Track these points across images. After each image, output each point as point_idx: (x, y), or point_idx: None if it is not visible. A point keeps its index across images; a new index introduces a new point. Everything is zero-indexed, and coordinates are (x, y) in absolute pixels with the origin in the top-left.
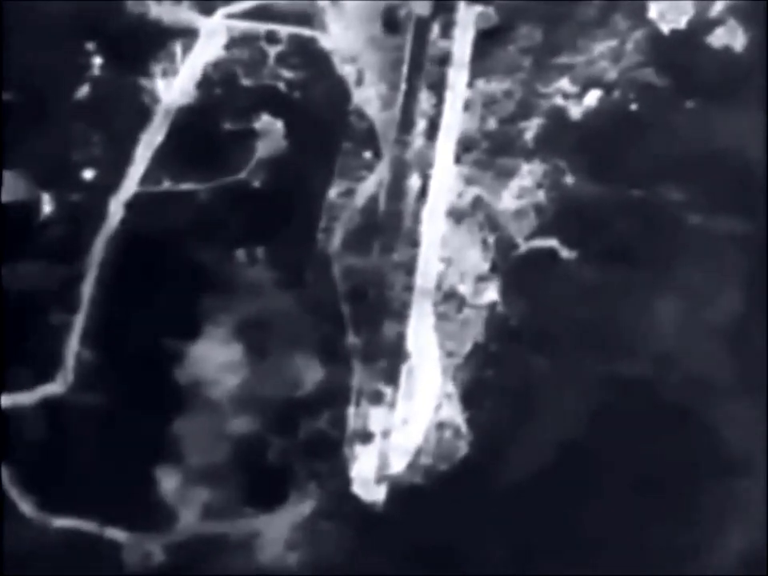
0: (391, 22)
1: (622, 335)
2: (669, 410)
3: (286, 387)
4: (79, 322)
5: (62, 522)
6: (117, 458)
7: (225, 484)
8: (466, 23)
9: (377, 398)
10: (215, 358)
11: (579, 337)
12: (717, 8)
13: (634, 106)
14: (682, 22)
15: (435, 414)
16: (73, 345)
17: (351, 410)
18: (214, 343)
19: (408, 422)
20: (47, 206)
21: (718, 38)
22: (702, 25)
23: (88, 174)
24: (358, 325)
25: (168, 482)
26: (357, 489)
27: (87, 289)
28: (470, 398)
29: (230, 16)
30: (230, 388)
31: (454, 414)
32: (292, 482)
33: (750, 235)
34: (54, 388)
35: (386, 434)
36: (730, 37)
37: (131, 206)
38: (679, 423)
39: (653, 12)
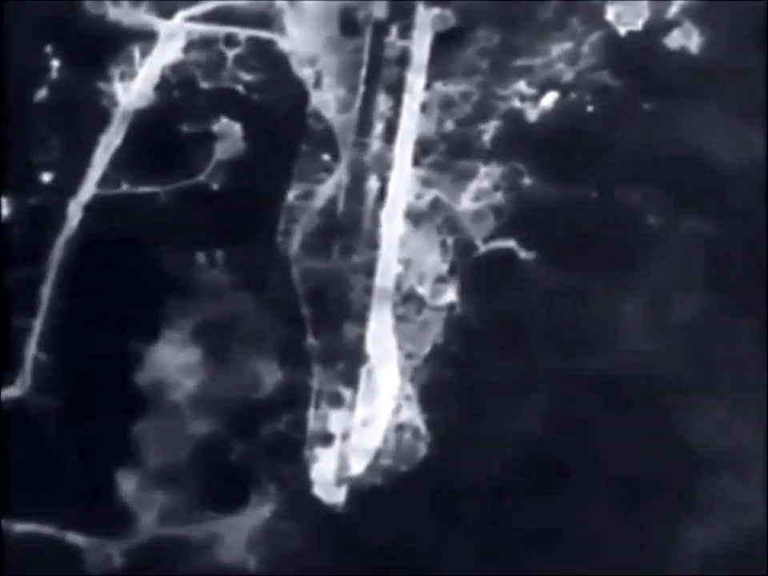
0: (349, 25)
1: (582, 335)
2: (630, 410)
3: (245, 389)
4: (38, 324)
5: (22, 527)
6: (76, 462)
7: (184, 487)
8: (424, 25)
9: (336, 400)
10: (174, 361)
11: (539, 337)
12: (673, 10)
13: (590, 108)
14: (638, 24)
15: (395, 416)
16: (31, 348)
17: (311, 412)
18: (174, 346)
19: (368, 423)
20: (5, 209)
21: (674, 39)
22: (658, 26)
23: (46, 177)
24: (317, 327)
25: (127, 485)
26: (317, 491)
27: (47, 292)
28: (430, 399)
29: (190, 19)
30: (189, 390)
31: (413, 415)
32: (252, 485)
33: (709, 235)
34: (12, 391)
35: (345, 435)
36: (686, 38)
37: (90, 208)
38: (641, 423)
39: (610, 14)
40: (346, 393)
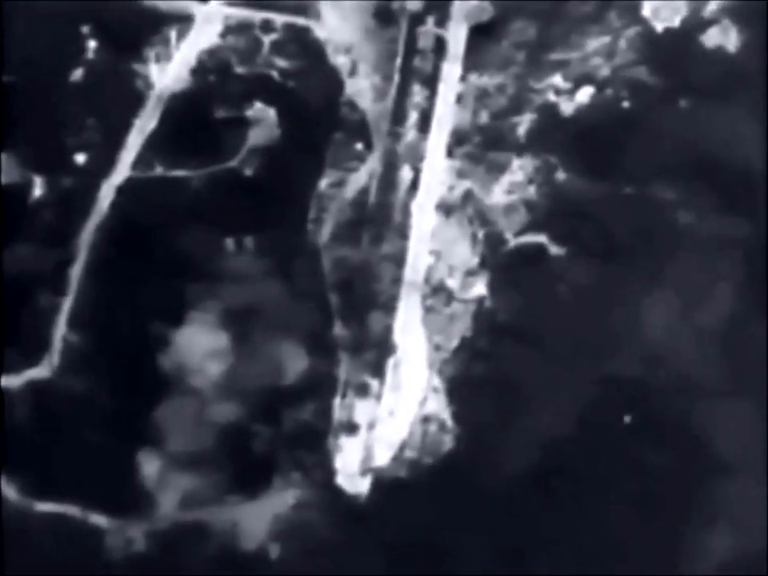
0: (385, 14)
1: (611, 333)
2: (658, 410)
3: (271, 376)
4: (67, 305)
5: (44, 507)
6: (100, 443)
7: (207, 472)
8: (461, 17)
9: (363, 390)
10: (200, 345)
11: (568, 334)
12: (710, 8)
13: (626, 104)
14: (675, 21)
15: (421, 408)
16: (60, 328)
17: (337, 402)
18: (200, 330)
19: (394, 414)
20: (38, 190)
21: (711, 37)
22: (695, 24)
23: (80, 158)
24: (345, 316)
25: (149, 467)
26: (341, 481)
27: (76, 272)
28: (457, 392)
29: (227, 3)
30: (214, 375)
31: (439, 408)
32: (275, 472)
33: (741, 236)
34: (39, 371)
35: (371, 426)
36: (724, 37)
37: (122, 191)
38: (669, 423)
39: (647, 10)
40: (373, 383)
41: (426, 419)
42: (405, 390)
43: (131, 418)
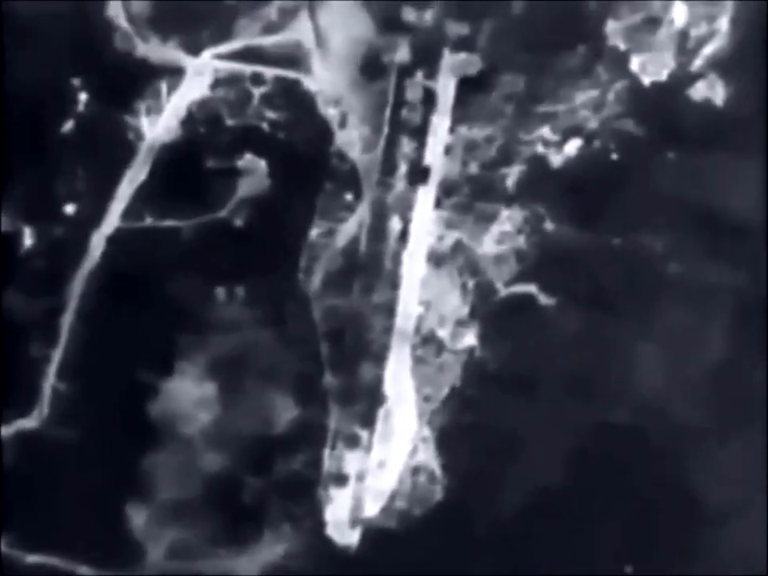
0: (374, 67)
1: (602, 382)
2: (650, 457)
3: (260, 426)
4: (57, 355)
5: (34, 559)
6: (88, 494)
7: (196, 522)
8: (450, 69)
9: (353, 441)
10: (190, 394)
11: (558, 383)
12: (698, 62)
13: (614, 156)
14: (663, 75)
15: (410, 458)
16: (50, 378)
17: (327, 452)
18: (189, 379)
19: (383, 465)
20: (28, 240)
21: (698, 91)
22: (682, 78)
23: (70, 209)
24: (335, 366)
25: (138, 518)
26: (330, 531)
27: (66, 322)
28: (446, 442)
29: (217, 56)
30: (203, 424)
31: (429, 458)
32: (265, 522)
33: (730, 284)
34: (29, 422)
35: (360, 477)
36: (711, 90)
37: (113, 241)
38: (661, 470)
39: (634, 64)
40: (363, 434)
41: (415, 470)
42: (394, 440)
43: (120, 467)
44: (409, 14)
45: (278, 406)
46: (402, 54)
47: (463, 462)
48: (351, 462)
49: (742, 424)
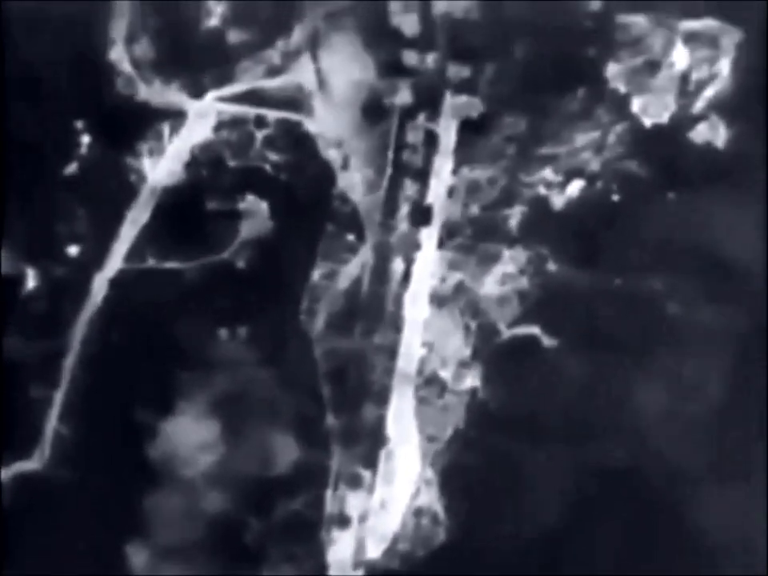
0: (376, 109)
1: (603, 424)
2: (650, 500)
3: (262, 467)
4: (59, 397)
5: None
6: (88, 535)
7: (196, 563)
8: (452, 112)
9: (355, 482)
10: (191, 435)
11: (561, 425)
12: (699, 104)
13: (616, 197)
14: (664, 117)
15: (413, 500)
16: (52, 420)
17: (329, 493)
18: (191, 420)
19: (386, 506)
20: (31, 281)
21: (699, 133)
22: (684, 120)
23: (73, 250)
24: (337, 407)
25: (137, 559)
26: (333, 573)
27: (69, 364)
28: (449, 484)
29: (220, 99)
30: (204, 465)
31: (432, 500)
32: (266, 564)
33: (731, 326)
34: (30, 464)
35: (363, 518)
36: (712, 133)
37: (115, 282)
38: (660, 513)
39: (635, 106)
40: (365, 474)
41: (418, 511)
42: (397, 481)
43: (120, 509)
44: (410, 58)
45: (280, 447)
46: (404, 96)
47: (466, 503)
48: (353, 503)
49: (742, 468)
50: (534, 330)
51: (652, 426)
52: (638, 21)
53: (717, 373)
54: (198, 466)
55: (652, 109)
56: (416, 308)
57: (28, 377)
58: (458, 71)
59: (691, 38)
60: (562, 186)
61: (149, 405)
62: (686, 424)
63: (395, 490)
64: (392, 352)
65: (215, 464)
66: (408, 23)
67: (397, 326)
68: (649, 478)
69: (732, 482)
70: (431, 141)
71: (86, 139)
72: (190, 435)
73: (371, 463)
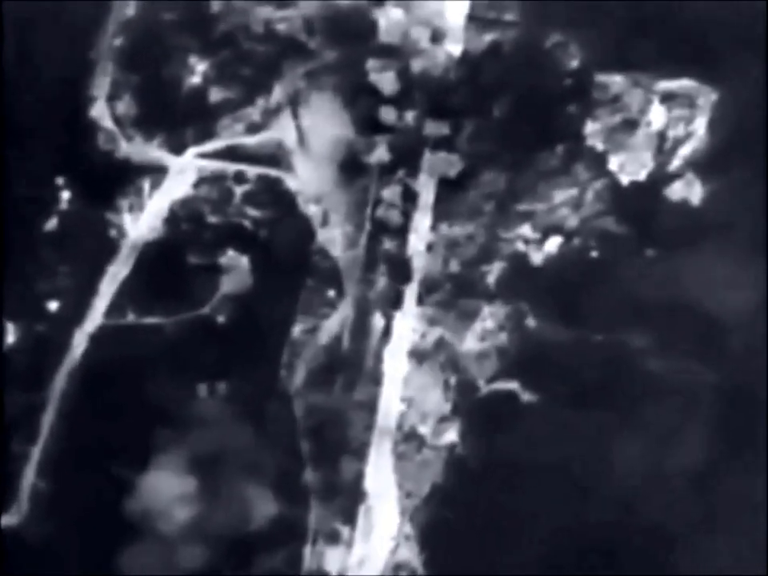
0: (356, 165)
1: (582, 479)
2: (631, 555)
3: (240, 522)
4: (37, 452)
5: None
6: None
7: None
8: (430, 168)
9: (333, 537)
10: (168, 490)
11: (540, 480)
12: (675, 162)
13: (594, 253)
14: (641, 175)
15: (392, 556)
16: (29, 476)
17: (307, 549)
18: (168, 475)
19: (364, 562)
20: (11, 336)
21: (675, 191)
22: (660, 178)
23: (53, 306)
24: (316, 462)
25: None
26: None
27: (48, 419)
28: (428, 539)
29: (201, 155)
30: (181, 520)
31: (411, 555)
32: None
33: (711, 382)
34: (8, 519)
35: (341, 574)
36: (688, 190)
37: (95, 338)
38: (639, 567)
39: (613, 164)
40: (344, 530)
41: (397, 566)
42: (376, 537)
43: (97, 563)
44: (388, 114)
45: (258, 503)
46: (382, 153)
47: (445, 559)
48: (332, 558)
49: (722, 523)
50: (513, 385)
51: (633, 483)
52: (616, 80)
53: (697, 428)
54: (175, 520)
55: (629, 166)
56: (396, 363)
57: (7, 431)
58: (436, 128)
59: (668, 98)
60: (541, 242)
61: (128, 460)
62: (667, 481)
63: (374, 546)
64: (371, 408)
65: (192, 519)
66: (386, 81)
67: (376, 381)
68: (630, 534)
69: (714, 535)
70: (410, 197)
71: (66, 195)
72: (167, 490)
73: (350, 519)
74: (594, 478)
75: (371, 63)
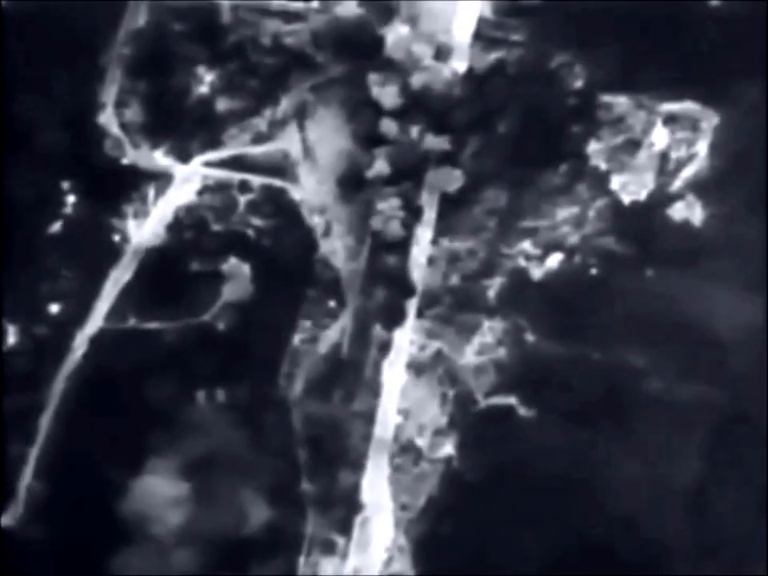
0: (359, 178)
1: (579, 495)
2: (627, 570)
3: (234, 530)
4: (34, 454)
5: None
6: None
7: None
8: (433, 183)
9: (328, 548)
10: (163, 494)
11: (536, 495)
12: (677, 183)
13: (594, 271)
14: (642, 194)
15: (386, 568)
16: (26, 477)
17: (302, 559)
18: (163, 479)
19: (359, 573)
20: (12, 338)
21: (677, 211)
22: (662, 198)
23: (54, 308)
24: (313, 472)
25: None
26: None
27: (46, 421)
28: (423, 552)
29: (206, 164)
30: (175, 524)
31: (405, 567)
32: None
33: (708, 401)
34: (4, 520)
35: None
36: (689, 211)
37: (95, 341)
38: None
39: (615, 183)
40: (339, 541)
41: None
42: (371, 548)
43: (91, 565)
44: (389, 128)
45: (254, 512)
46: (383, 166)
47: (439, 571)
48: (326, 568)
49: (717, 542)
50: (511, 400)
51: (629, 498)
52: (620, 101)
53: (693, 447)
54: (169, 524)
55: (631, 186)
56: (394, 375)
57: (6, 433)
58: (437, 143)
59: (671, 120)
60: (541, 258)
61: (124, 463)
62: (663, 499)
63: (369, 557)
64: (370, 419)
65: (187, 524)
66: (387, 95)
67: (375, 392)
68: (623, 550)
69: (711, 555)
70: (411, 211)
71: (71, 199)
72: (160, 494)
73: (345, 529)
74: (590, 492)
75: (373, 77)
